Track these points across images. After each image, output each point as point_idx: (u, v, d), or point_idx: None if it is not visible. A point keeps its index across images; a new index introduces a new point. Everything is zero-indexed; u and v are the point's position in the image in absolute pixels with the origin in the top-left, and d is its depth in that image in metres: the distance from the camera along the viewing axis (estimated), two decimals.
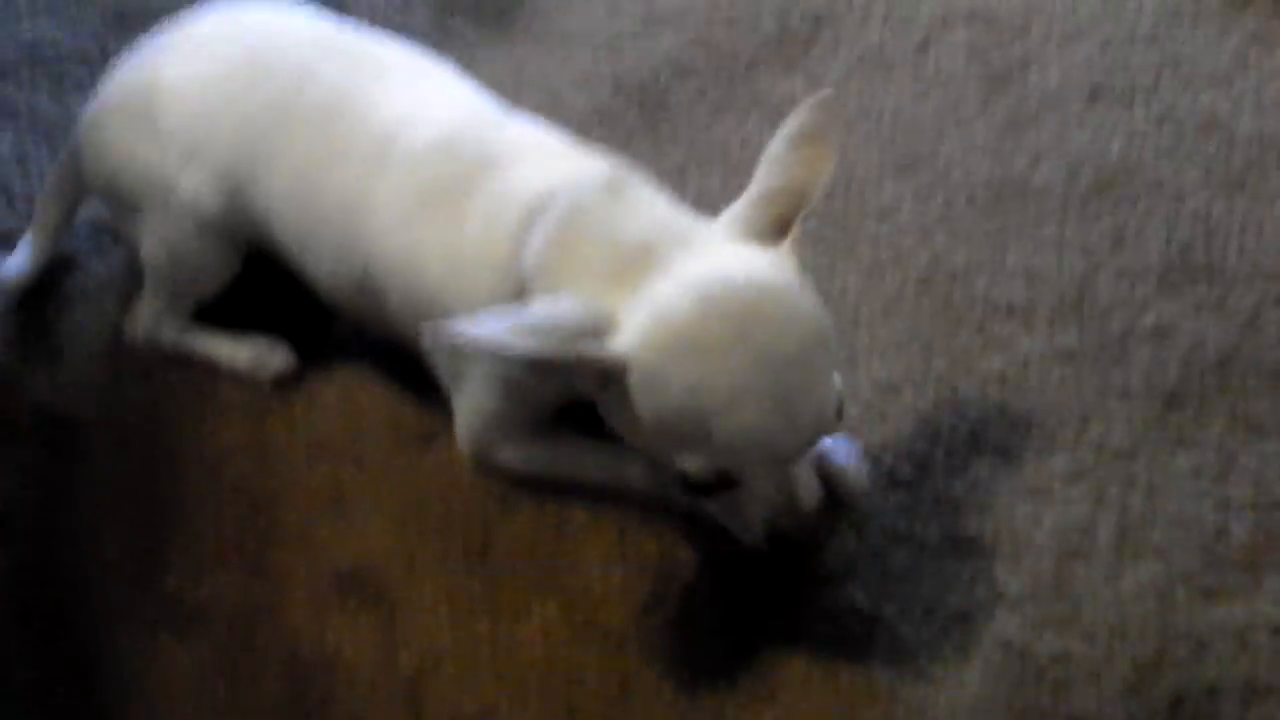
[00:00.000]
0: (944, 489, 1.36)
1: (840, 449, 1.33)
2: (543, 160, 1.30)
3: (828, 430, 1.16)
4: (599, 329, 1.13)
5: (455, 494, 1.42)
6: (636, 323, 1.12)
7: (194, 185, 1.45)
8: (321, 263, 1.42)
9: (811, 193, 1.16)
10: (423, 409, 1.48)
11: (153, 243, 1.51)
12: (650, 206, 1.23)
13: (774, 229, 1.16)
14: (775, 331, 1.10)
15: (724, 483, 1.16)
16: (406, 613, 1.36)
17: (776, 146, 1.18)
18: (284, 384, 1.55)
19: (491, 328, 1.11)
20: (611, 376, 1.12)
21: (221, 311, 1.57)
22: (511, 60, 1.86)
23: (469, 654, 1.32)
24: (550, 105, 1.79)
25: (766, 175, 1.18)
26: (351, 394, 1.53)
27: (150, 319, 1.57)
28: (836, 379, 1.15)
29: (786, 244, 1.16)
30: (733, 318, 1.10)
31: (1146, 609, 1.25)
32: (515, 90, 1.79)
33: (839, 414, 1.15)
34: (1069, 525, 1.31)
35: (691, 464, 1.14)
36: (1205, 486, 1.32)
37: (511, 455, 1.39)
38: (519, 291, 1.23)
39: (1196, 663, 1.21)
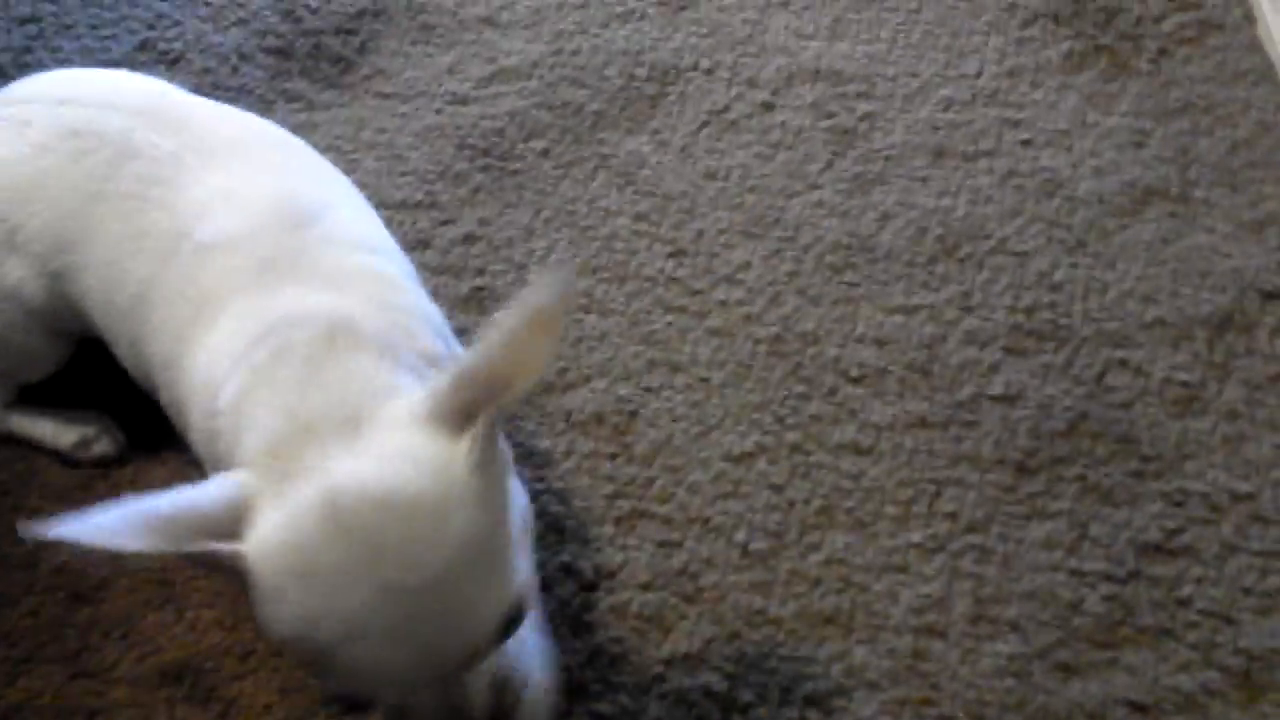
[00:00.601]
0: (799, 564, 1.33)
1: (531, 659, 1.16)
2: (297, 287, 1.17)
3: (484, 651, 1.03)
4: (238, 520, 0.99)
5: None
6: (267, 527, 0.99)
7: (14, 274, 1.35)
8: (124, 357, 1.32)
9: (512, 391, 1.01)
10: None
11: None
12: (353, 370, 1.09)
13: (465, 415, 1.01)
14: (407, 559, 0.97)
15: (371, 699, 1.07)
16: (239, 710, 1.28)
17: (503, 319, 0.99)
18: (109, 465, 1.46)
19: (104, 524, 0.95)
20: (241, 578, 1.00)
21: (43, 387, 1.48)
22: (351, 119, 1.81)
23: None
24: (392, 164, 1.74)
25: (478, 352, 1.01)
26: (182, 475, 1.44)
27: None
28: (519, 577, 1.03)
29: (468, 438, 1.00)
30: (358, 542, 0.97)
31: (1004, 687, 1.24)
32: (355, 150, 1.75)
33: (516, 619, 1.03)
34: (925, 601, 1.30)
35: (324, 685, 1.06)
36: (1059, 558, 1.31)
37: None
38: (217, 432, 1.13)
39: None
